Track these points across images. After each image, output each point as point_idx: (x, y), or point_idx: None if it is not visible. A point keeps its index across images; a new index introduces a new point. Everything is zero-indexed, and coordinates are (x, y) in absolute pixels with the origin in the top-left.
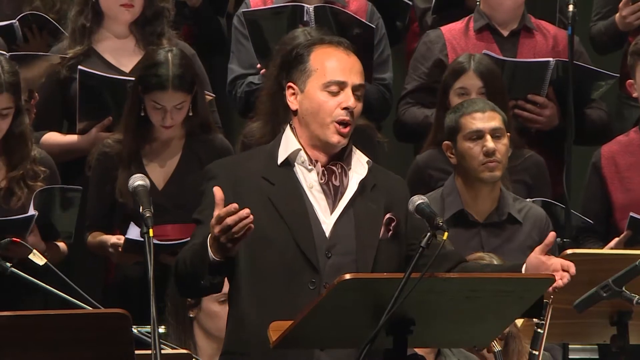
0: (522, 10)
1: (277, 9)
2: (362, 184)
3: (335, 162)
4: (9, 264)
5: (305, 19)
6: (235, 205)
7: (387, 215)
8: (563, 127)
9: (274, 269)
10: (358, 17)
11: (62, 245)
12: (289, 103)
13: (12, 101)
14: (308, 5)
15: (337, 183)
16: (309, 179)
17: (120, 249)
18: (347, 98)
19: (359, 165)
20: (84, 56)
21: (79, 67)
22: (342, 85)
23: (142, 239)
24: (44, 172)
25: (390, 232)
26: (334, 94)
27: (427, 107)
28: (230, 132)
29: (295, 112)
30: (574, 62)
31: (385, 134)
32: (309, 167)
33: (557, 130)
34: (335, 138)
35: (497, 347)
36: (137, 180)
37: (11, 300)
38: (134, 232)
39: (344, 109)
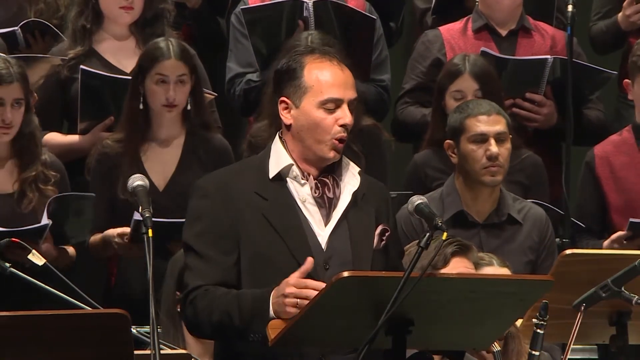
0: (520, 10)
1: (277, 5)
2: (355, 194)
3: (326, 174)
4: (8, 264)
5: (304, 15)
6: (321, 284)
7: (381, 226)
8: (561, 127)
9: (275, 284)
10: (358, 10)
11: (71, 249)
12: (283, 117)
13: (23, 93)
14: (307, 1)
15: (330, 195)
16: (302, 193)
17: (126, 239)
18: (344, 115)
19: (350, 176)
20: (84, 56)
21: (81, 66)
22: (338, 103)
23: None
24: (55, 176)
25: (383, 243)
26: (331, 111)
27: (424, 107)
28: (234, 132)
29: (288, 127)
30: (573, 59)
31: (386, 128)
32: (302, 182)
33: (554, 129)
34: (331, 154)
35: (496, 347)
36: (137, 181)
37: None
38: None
39: (342, 125)
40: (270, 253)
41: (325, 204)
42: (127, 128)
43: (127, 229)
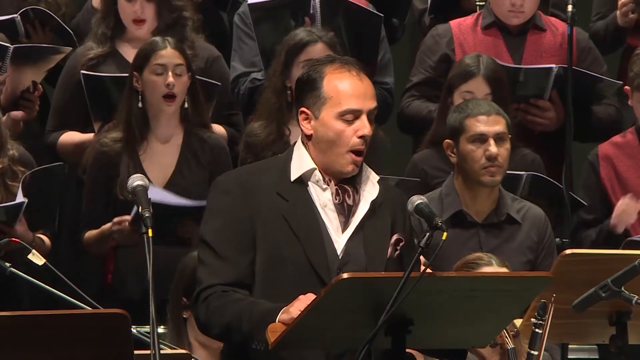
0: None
1: (283, 1)
2: (373, 203)
3: (346, 181)
4: (8, 264)
5: (311, 12)
6: None
7: (395, 236)
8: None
9: (287, 287)
10: (365, 7)
11: (46, 239)
12: (303, 128)
13: None
14: None
15: (350, 202)
16: (323, 198)
17: (126, 225)
18: (363, 126)
19: (370, 184)
20: (103, 57)
21: (82, 71)
22: (357, 114)
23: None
24: (23, 171)
25: (397, 252)
26: (349, 122)
27: (431, 101)
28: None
29: (309, 137)
30: (574, 67)
31: (387, 126)
32: (324, 187)
33: (561, 129)
34: (349, 168)
35: (510, 344)
36: (137, 181)
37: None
38: None
39: (361, 137)
40: (286, 254)
41: (345, 211)
42: (125, 128)
43: (123, 217)
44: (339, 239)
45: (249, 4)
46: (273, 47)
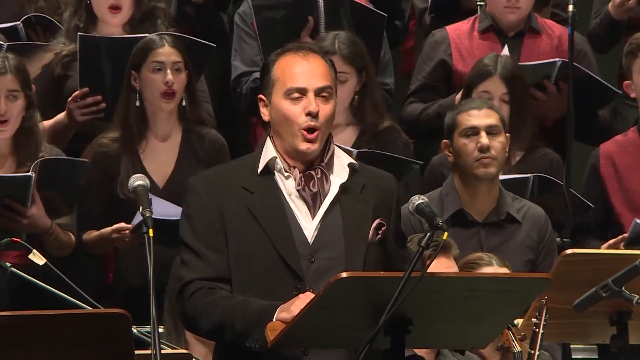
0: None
1: (287, 0)
2: (345, 186)
3: (316, 167)
4: (8, 264)
5: (315, 11)
6: None
7: (378, 221)
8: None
9: (258, 279)
10: (369, 7)
11: (71, 235)
12: (262, 115)
13: (18, 85)
14: None
15: (314, 189)
16: (288, 186)
17: (126, 238)
18: (309, 103)
19: (341, 169)
20: (77, 55)
21: (79, 33)
22: (302, 92)
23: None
24: None
25: (379, 237)
26: (297, 101)
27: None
28: (236, 129)
29: (269, 124)
30: (575, 63)
31: None
32: (286, 174)
33: (561, 127)
34: (303, 146)
35: (517, 347)
36: (137, 180)
37: None
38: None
39: (308, 114)
40: (253, 248)
41: (309, 198)
42: (123, 127)
43: (124, 224)
44: (309, 226)
45: (252, 3)
46: (277, 47)
